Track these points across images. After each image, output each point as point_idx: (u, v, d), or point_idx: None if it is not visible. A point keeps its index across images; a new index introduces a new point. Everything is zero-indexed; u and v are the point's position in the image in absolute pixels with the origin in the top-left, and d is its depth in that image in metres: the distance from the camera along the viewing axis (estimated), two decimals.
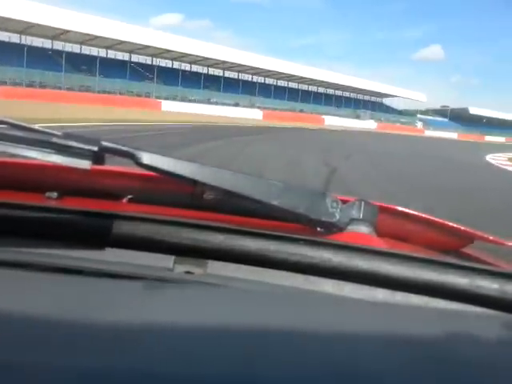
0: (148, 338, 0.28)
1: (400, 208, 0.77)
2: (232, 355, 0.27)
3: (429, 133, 52.33)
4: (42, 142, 0.50)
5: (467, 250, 0.75)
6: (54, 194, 0.65)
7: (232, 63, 42.58)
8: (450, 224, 0.74)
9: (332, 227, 0.59)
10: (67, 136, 0.52)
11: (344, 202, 0.60)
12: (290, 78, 51.10)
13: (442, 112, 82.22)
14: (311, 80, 51.71)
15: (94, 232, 0.48)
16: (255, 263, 0.47)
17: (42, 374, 0.24)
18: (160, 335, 0.28)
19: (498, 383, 0.27)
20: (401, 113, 70.73)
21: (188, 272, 0.46)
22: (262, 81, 52.89)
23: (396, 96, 64.32)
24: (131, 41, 34.94)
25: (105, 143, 0.52)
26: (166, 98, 37.19)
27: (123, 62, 41.36)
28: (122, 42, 36.02)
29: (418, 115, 73.56)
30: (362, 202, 0.61)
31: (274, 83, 53.86)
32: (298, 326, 0.31)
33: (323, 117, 41.24)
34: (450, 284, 0.43)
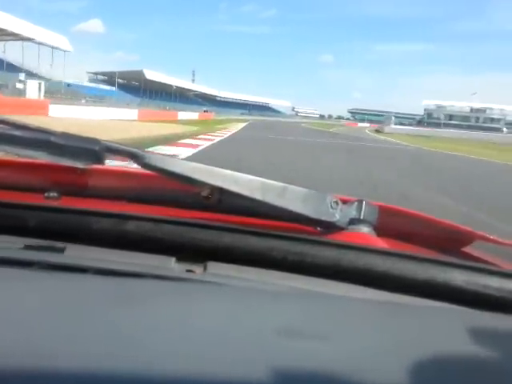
0: (149, 335, 0.28)
1: (400, 208, 0.77)
2: (232, 353, 0.27)
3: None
4: (42, 141, 0.50)
5: (467, 249, 0.74)
6: (54, 194, 0.65)
7: None
8: (450, 224, 0.74)
9: (332, 227, 0.59)
10: (67, 136, 0.51)
11: (344, 201, 0.60)
12: None
13: (105, 77, 53.93)
14: None
15: (94, 231, 0.47)
16: (255, 262, 0.46)
17: (42, 372, 0.24)
18: (161, 333, 0.28)
19: (497, 383, 0.27)
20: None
21: (189, 271, 0.46)
22: None
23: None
24: None
25: (105, 143, 0.52)
26: None
27: None
28: None
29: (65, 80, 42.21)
30: (362, 202, 0.61)
31: None
32: (297, 325, 0.31)
33: None
34: (450, 283, 0.43)
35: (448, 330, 0.33)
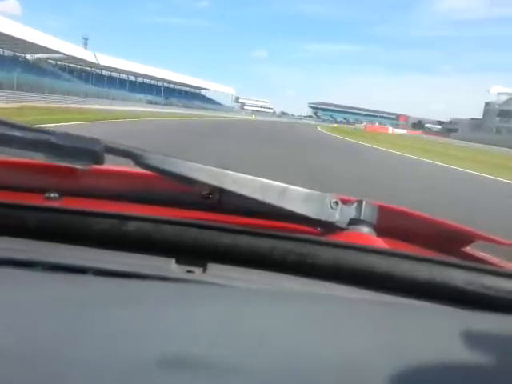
0: (149, 336, 0.28)
1: (400, 208, 0.77)
2: (232, 354, 0.27)
3: None
4: (42, 142, 0.50)
5: (467, 249, 0.74)
6: (54, 195, 0.65)
7: None
8: (450, 224, 0.74)
9: (332, 227, 0.59)
10: (67, 136, 0.52)
11: (344, 201, 0.60)
12: None
13: None
14: None
15: (95, 232, 0.48)
16: (255, 263, 0.47)
17: (42, 372, 0.24)
18: (160, 333, 0.28)
19: (497, 383, 0.27)
20: None
21: (189, 271, 0.46)
22: None
23: None
24: None
25: (105, 143, 0.53)
26: None
27: None
28: None
29: None
30: (362, 202, 0.62)
31: None
32: (297, 325, 0.32)
33: None
34: (450, 283, 0.43)
35: (448, 330, 0.33)
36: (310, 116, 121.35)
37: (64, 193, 0.66)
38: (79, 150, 0.51)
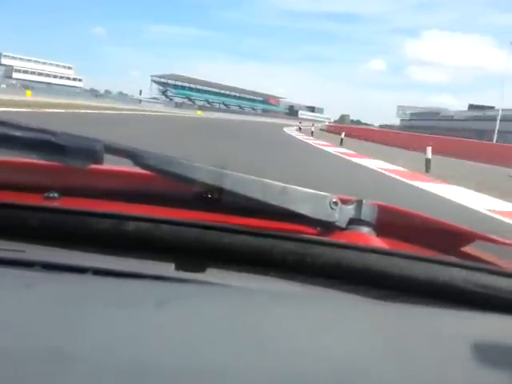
0: (148, 336, 0.28)
1: (400, 207, 0.78)
2: (232, 354, 0.27)
3: None
4: (42, 141, 0.51)
5: (467, 249, 0.74)
6: (53, 194, 0.65)
7: None
8: (450, 224, 0.75)
9: (332, 227, 0.59)
10: (67, 136, 0.52)
11: (344, 201, 0.61)
12: None
13: None
14: None
15: (94, 232, 0.48)
16: (255, 263, 0.47)
17: (41, 372, 0.24)
18: (160, 334, 0.28)
19: (497, 383, 0.27)
20: None
21: (188, 271, 0.47)
22: None
23: None
24: None
25: (105, 143, 0.53)
26: None
27: None
28: None
29: None
30: (362, 202, 0.62)
31: None
32: (297, 326, 0.32)
33: None
34: (450, 283, 0.44)
35: (448, 330, 0.33)
36: (155, 98, 77.21)
37: (63, 192, 0.65)
38: (78, 150, 0.51)
